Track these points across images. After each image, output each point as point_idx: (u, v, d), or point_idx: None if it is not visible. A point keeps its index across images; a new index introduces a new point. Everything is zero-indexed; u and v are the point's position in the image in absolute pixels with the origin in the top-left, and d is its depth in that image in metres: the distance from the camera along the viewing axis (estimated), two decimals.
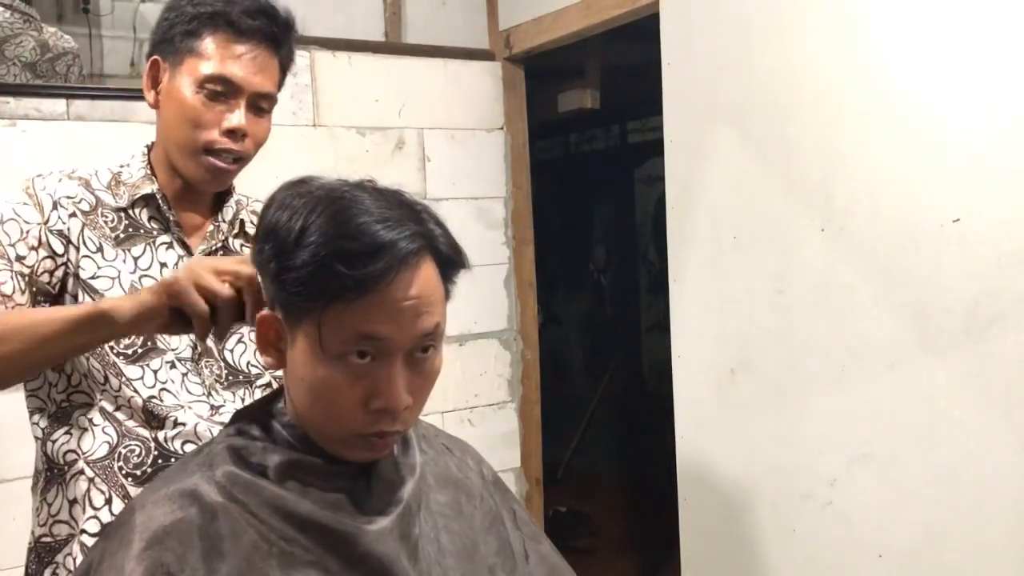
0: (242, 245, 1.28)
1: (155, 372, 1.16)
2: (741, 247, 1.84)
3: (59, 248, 1.14)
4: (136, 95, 2.04)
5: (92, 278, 1.15)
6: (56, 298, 1.15)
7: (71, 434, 1.16)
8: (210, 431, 1.15)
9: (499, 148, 2.66)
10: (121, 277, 1.16)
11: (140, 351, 1.16)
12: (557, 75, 3.13)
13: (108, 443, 1.15)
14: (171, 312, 0.96)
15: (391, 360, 0.78)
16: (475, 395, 2.61)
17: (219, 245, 1.25)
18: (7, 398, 1.67)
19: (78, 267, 1.15)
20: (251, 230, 1.26)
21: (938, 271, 1.49)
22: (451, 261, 0.81)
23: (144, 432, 1.15)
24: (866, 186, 1.59)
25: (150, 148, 1.24)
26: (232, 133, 1.16)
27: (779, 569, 1.79)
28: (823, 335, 1.68)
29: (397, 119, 2.46)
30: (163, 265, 1.19)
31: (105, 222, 1.18)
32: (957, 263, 1.46)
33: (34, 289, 1.13)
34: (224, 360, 1.21)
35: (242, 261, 0.97)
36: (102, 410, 1.15)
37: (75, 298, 1.14)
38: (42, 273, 1.13)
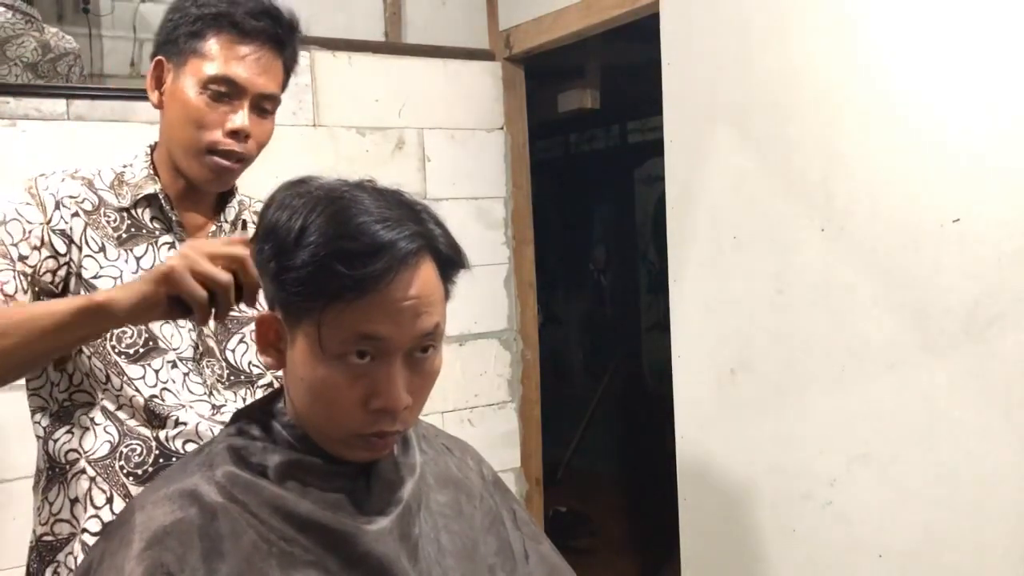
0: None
1: (156, 371, 1.16)
2: (741, 247, 1.84)
3: (61, 248, 1.14)
4: (136, 95, 2.05)
5: (94, 278, 1.15)
6: (59, 298, 1.15)
7: (73, 433, 1.17)
8: (211, 430, 1.15)
9: (499, 148, 2.66)
10: (123, 277, 1.16)
11: (142, 350, 1.16)
12: (557, 75, 3.13)
13: (109, 442, 1.15)
14: (169, 300, 0.96)
15: (391, 360, 0.78)
16: (475, 395, 2.61)
17: None
18: (8, 398, 1.67)
19: (80, 267, 1.15)
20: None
21: (938, 271, 1.49)
22: (451, 261, 0.81)
23: (145, 431, 1.15)
24: (866, 186, 1.59)
25: (153, 148, 1.24)
26: (235, 134, 1.16)
27: (779, 569, 1.79)
28: (823, 335, 1.68)
29: (397, 119, 2.46)
30: None
31: (107, 222, 1.18)
32: (957, 263, 1.46)
33: (36, 289, 1.13)
34: (226, 360, 1.22)
35: (233, 242, 0.97)
36: (104, 409, 1.16)
37: None
38: (45, 273, 1.13)
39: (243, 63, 1.15)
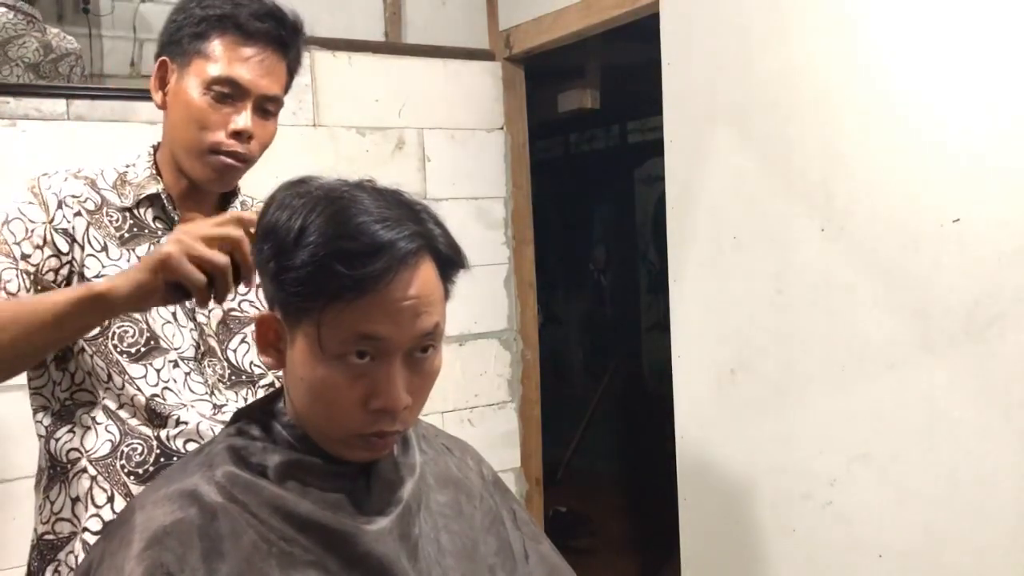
0: None
1: (158, 371, 1.16)
2: (741, 247, 1.84)
3: (64, 247, 1.15)
4: (136, 95, 2.05)
5: (97, 277, 1.15)
6: None
7: (74, 432, 1.17)
8: (212, 430, 1.15)
9: (499, 148, 2.66)
10: None
11: (143, 349, 1.16)
12: (557, 75, 3.13)
13: (111, 441, 1.15)
14: (167, 285, 0.96)
15: (390, 360, 0.78)
16: (475, 395, 2.61)
17: None
18: (8, 398, 1.67)
19: (83, 266, 1.15)
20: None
21: (938, 271, 1.49)
22: (450, 261, 0.81)
23: (146, 430, 1.15)
24: (866, 186, 1.59)
25: (156, 148, 1.25)
26: (238, 135, 1.16)
27: (779, 569, 1.79)
28: (823, 335, 1.68)
29: (397, 119, 2.46)
30: None
31: (110, 221, 1.18)
32: (957, 263, 1.46)
33: (39, 287, 1.13)
34: (227, 360, 1.22)
35: (225, 222, 0.97)
36: (105, 408, 1.16)
37: None
38: (47, 272, 1.14)
39: (247, 65, 1.15)
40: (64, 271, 1.15)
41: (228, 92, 1.15)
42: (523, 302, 2.70)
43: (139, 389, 1.15)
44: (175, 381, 1.17)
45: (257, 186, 1.15)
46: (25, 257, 1.12)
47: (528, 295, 2.72)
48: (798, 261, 1.72)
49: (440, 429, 1.06)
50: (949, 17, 1.45)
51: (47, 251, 1.13)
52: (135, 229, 1.19)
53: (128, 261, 1.17)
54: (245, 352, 1.23)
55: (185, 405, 1.16)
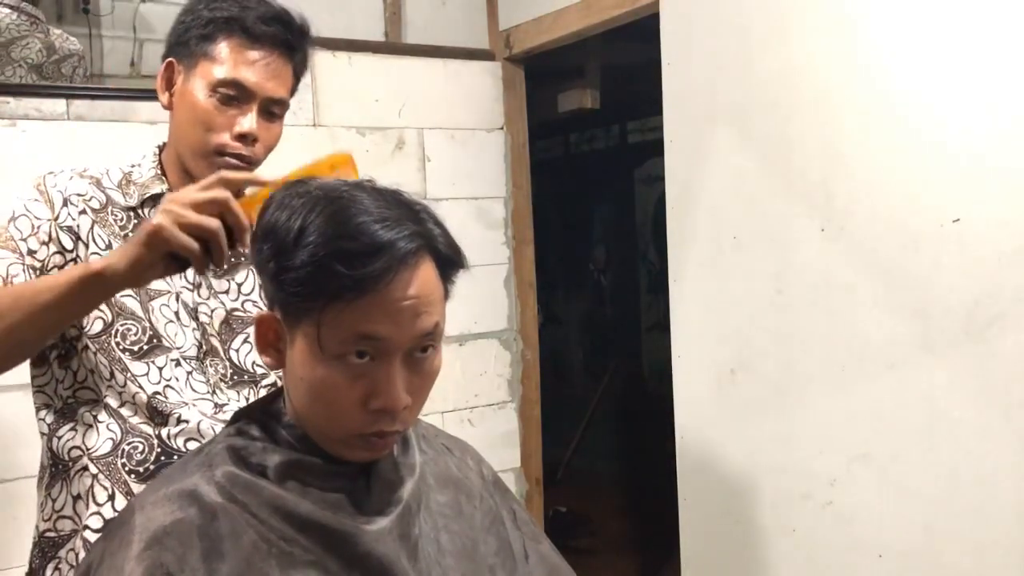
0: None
1: (160, 369, 1.17)
2: (741, 247, 1.84)
3: (68, 244, 1.15)
4: (136, 95, 2.05)
5: None
6: None
7: (76, 430, 1.17)
8: (213, 429, 1.15)
9: (499, 148, 2.66)
10: None
11: (146, 347, 1.17)
12: (557, 75, 3.13)
13: (112, 440, 1.16)
14: (164, 256, 0.95)
15: (390, 360, 0.78)
16: (475, 395, 2.61)
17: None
18: (9, 398, 1.67)
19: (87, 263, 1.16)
20: None
21: (938, 271, 1.49)
22: (450, 261, 0.81)
23: (148, 429, 1.16)
24: (866, 186, 1.59)
25: (162, 149, 1.26)
26: (243, 137, 1.17)
27: (779, 569, 1.79)
28: (823, 335, 1.68)
29: (397, 119, 2.46)
30: None
31: (115, 220, 1.19)
32: (957, 263, 1.46)
33: None
34: (229, 359, 1.22)
35: (211, 184, 0.96)
36: (107, 406, 1.16)
37: None
38: (52, 268, 1.14)
39: (253, 68, 1.16)
40: (69, 268, 1.15)
41: (234, 94, 1.15)
42: (523, 302, 2.70)
43: (141, 387, 1.15)
44: (177, 380, 1.17)
45: None
46: (31, 253, 1.13)
47: (528, 295, 2.72)
48: (798, 261, 1.72)
49: (440, 429, 1.06)
50: (949, 17, 1.45)
51: (52, 247, 1.14)
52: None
53: None
54: (248, 352, 1.23)
55: (187, 404, 1.17)
